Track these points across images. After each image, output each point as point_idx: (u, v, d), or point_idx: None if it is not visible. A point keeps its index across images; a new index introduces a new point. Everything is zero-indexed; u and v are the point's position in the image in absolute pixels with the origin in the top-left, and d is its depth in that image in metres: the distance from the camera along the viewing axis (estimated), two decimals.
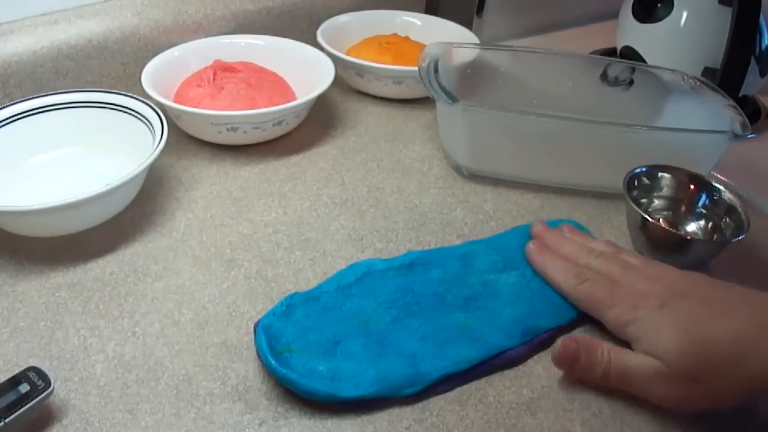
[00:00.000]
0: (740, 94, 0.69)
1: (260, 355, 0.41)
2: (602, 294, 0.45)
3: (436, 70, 0.61)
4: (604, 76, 0.70)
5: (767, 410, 0.43)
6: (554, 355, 0.43)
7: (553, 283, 0.48)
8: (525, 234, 0.53)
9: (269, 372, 0.41)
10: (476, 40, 0.76)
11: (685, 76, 0.66)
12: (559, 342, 0.43)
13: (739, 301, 0.42)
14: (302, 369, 0.40)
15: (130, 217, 0.54)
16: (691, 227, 0.56)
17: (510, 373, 0.44)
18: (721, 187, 0.55)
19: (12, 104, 0.57)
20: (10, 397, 0.36)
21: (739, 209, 0.52)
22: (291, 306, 0.44)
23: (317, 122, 0.69)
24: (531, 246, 0.51)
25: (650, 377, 0.40)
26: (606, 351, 0.42)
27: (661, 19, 0.75)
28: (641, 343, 0.42)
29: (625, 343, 0.43)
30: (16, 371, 0.38)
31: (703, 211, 0.55)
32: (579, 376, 0.43)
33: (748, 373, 0.38)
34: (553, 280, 0.48)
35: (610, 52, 0.85)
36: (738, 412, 0.42)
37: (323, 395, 0.40)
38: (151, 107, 0.57)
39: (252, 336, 0.43)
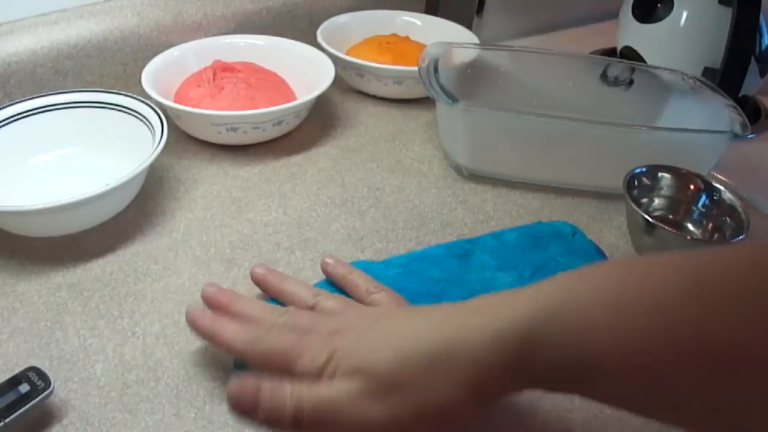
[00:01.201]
0: (740, 94, 0.69)
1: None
2: (286, 345, 0.36)
3: (436, 70, 0.61)
4: (604, 76, 0.70)
5: None
6: (228, 399, 0.35)
7: (227, 346, 0.39)
8: (524, 234, 0.53)
9: None
10: (476, 40, 0.76)
11: (685, 76, 0.66)
12: (233, 381, 0.35)
13: (446, 303, 0.37)
14: None
15: (130, 217, 0.54)
16: (692, 227, 0.56)
17: None
18: (721, 187, 0.55)
19: (12, 104, 0.57)
20: (10, 397, 0.36)
21: (739, 209, 0.53)
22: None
23: (317, 122, 0.69)
24: (190, 312, 0.41)
25: (352, 400, 0.33)
26: (297, 387, 0.34)
27: (661, 19, 0.75)
28: (338, 372, 0.34)
29: None
30: (16, 371, 0.38)
31: (703, 211, 0.55)
32: (265, 422, 0.35)
33: (463, 372, 0.32)
34: (225, 342, 0.38)
35: (610, 52, 0.85)
36: None
37: None
38: (151, 107, 0.57)
39: None
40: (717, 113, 0.60)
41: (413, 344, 0.33)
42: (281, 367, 0.36)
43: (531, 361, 0.31)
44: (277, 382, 0.35)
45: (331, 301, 0.42)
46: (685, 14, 0.74)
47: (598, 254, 0.52)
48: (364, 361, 0.34)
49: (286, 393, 0.34)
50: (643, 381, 0.30)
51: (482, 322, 0.33)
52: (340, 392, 0.33)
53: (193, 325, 0.40)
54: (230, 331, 0.39)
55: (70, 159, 0.59)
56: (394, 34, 0.78)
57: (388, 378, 0.33)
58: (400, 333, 0.35)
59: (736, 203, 0.53)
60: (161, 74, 0.65)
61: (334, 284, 0.46)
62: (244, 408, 0.35)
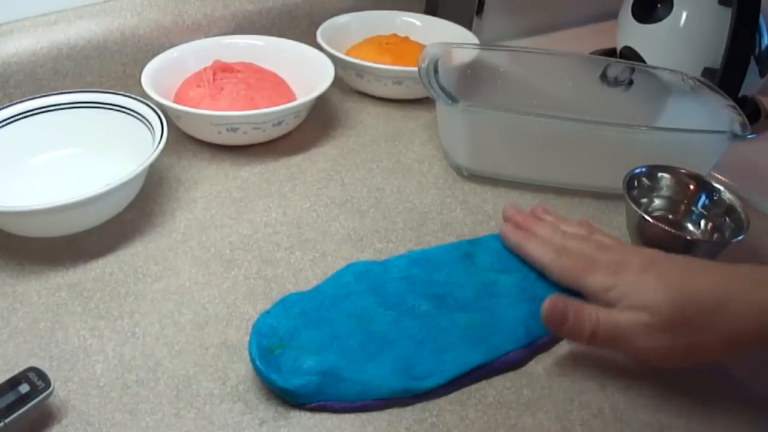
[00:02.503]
0: (740, 95, 0.69)
1: (250, 358, 0.41)
2: (581, 265, 0.46)
3: (435, 71, 0.61)
4: (604, 77, 0.70)
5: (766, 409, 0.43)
6: (543, 314, 0.43)
7: (532, 259, 0.49)
8: None
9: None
10: (476, 40, 0.76)
11: (684, 77, 0.66)
12: (547, 300, 0.43)
13: (714, 264, 0.45)
14: (292, 366, 0.40)
15: (130, 217, 0.54)
16: (691, 227, 0.56)
17: (510, 373, 0.44)
18: (721, 187, 0.55)
19: (12, 104, 0.57)
20: (10, 397, 0.36)
21: (739, 209, 0.52)
22: (287, 305, 0.44)
23: (317, 122, 0.69)
24: (505, 226, 0.52)
25: (638, 330, 0.41)
26: (594, 310, 0.43)
27: (660, 20, 0.75)
28: (624, 301, 0.42)
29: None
30: (16, 371, 0.38)
31: (703, 211, 0.55)
32: (567, 336, 0.44)
33: (728, 324, 0.40)
34: (531, 255, 0.49)
35: (610, 52, 0.85)
36: (738, 413, 0.42)
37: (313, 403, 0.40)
38: (151, 107, 0.57)
39: None
40: (717, 113, 0.60)
41: (694, 291, 0.41)
42: (572, 282, 0.46)
43: None
44: (579, 305, 0.43)
45: (604, 237, 0.50)
46: (684, 14, 0.74)
47: None
48: (649, 299, 0.41)
49: (586, 314, 0.42)
50: None
51: (748, 293, 0.40)
52: (630, 321, 0.41)
53: (505, 238, 0.52)
54: (534, 247, 0.49)
55: (70, 159, 0.59)
56: (394, 35, 0.78)
57: (669, 317, 0.40)
58: (680, 278, 0.42)
59: (736, 203, 0.53)
60: (161, 74, 0.65)
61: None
62: (554, 323, 0.43)
